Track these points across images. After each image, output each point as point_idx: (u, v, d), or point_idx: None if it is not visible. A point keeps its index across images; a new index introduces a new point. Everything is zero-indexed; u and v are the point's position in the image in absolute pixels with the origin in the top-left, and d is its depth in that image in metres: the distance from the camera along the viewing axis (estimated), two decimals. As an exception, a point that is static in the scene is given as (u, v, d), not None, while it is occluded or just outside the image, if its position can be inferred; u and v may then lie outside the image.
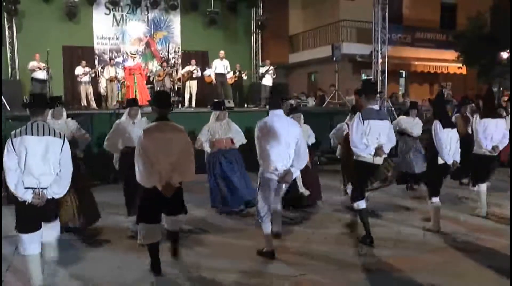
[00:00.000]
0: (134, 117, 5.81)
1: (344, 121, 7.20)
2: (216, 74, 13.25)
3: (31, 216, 3.80)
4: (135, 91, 11.78)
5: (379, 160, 5.11)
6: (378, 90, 11.53)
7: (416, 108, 8.26)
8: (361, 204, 5.17)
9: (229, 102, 11.25)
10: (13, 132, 3.75)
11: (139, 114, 5.93)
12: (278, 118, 4.59)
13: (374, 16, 13.90)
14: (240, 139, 6.47)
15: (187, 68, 13.87)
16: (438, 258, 4.76)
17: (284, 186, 4.61)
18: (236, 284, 4.16)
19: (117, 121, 5.96)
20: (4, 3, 12.92)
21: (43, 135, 3.74)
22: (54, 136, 3.79)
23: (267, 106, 4.87)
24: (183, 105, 13.53)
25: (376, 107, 5.18)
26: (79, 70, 13.17)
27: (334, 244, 5.23)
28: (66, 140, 3.87)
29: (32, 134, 3.71)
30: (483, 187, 6.36)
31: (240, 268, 4.47)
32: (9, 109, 9.93)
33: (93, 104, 13.27)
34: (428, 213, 5.99)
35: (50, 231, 3.99)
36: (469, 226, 5.85)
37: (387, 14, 13.82)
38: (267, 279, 4.25)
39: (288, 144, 4.51)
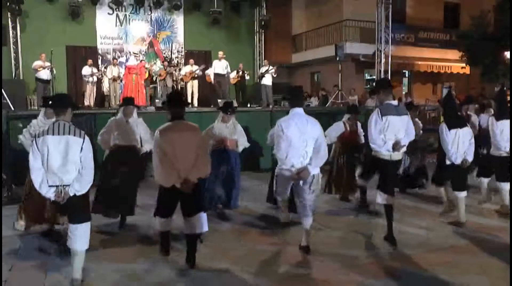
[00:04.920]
0: (129, 115, 5.79)
1: (341, 120, 7.17)
2: (215, 75, 13.30)
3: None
4: (130, 90, 11.75)
5: (397, 156, 5.07)
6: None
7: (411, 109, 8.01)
8: (382, 199, 5.11)
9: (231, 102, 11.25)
10: (37, 132, 3.92)
11: (135, 113, 5.91)
12: (298, 116, 4.63)
13: (377, 15, 13.89)
14: (243, 143, 6.35)
15: (189, 68, 13.87)
16: (442, 257, 4.76)
17: (301, 183, 4.61)
18: (240, 283, 4.16)
19: (112, 118, 5.96)
20: (8, 3, 12.98)
21: (63, 134, 3.84)
22: (74, 135, 3.89)
23: (288, 104, 4.93)
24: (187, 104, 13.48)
25: (395, 102, 5.13)
26: (86, 70, 13.20)
27: (337, 244, 5.21)
28: (87, 139, 3.96)
29: (53, 134, 3.83)
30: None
31: (242, 268, 4.46)
32: (12, 108, 9.96)
33: (93, 104, 13.29)
34: (430, 212, 6.11)
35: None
36: (473, 225, 5.84)
37: (390, 13, 13.81)
38: (272, 278, 4.25)
39: (306, 142, 4.55)
